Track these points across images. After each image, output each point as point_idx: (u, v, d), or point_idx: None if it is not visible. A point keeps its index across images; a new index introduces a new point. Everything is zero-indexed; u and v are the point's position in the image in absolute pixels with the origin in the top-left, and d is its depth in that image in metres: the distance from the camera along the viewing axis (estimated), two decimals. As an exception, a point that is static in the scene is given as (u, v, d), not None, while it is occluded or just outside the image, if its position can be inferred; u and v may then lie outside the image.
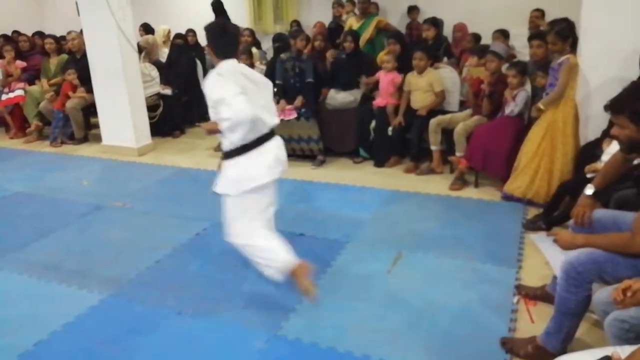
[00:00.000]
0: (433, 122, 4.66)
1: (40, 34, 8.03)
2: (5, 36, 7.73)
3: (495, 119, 4.45)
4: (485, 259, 3.27)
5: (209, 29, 2.77)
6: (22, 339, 2.65)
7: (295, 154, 5.37)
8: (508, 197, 4.09)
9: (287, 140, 5.23)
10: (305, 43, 5.29)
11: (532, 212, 3.89)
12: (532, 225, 3.62)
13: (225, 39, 2.75)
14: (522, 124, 4.36)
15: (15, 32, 8.25)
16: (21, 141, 6.62)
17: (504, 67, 4.50)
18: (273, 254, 2.72)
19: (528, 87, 4.38)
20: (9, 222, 4.16)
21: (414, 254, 3.36)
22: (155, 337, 2.66)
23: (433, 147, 4.73)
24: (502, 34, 5.86)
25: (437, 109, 4.89)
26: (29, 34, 7.86)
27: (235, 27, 2.89)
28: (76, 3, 5.75)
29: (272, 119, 2.82)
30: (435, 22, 5.84)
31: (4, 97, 6.70)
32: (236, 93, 2.53)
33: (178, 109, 6.51)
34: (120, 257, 3.50)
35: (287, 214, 4.03)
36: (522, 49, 6.04)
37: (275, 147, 2.82)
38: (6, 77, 6.84)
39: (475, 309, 2.75)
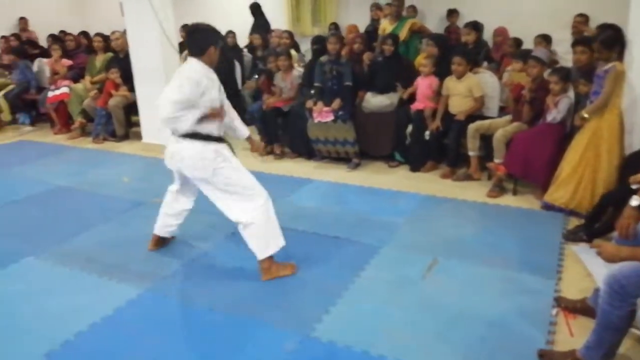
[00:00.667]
0: (472, 127, 4.59)
1: (85, 34, 8.30)
2: (53, 36, 8.00)
3: (536, 126, 4.35)
4: (523, 268, 3.21)
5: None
6: (63, 329, 2.74)
7: (330, 157, 5.38)
8: (549, 207, 3.99)
9: (323, 143, 5.27)
10: (338, 46, 5.28)
11: (573, 222, 3.80)
12: (573, 236, 3.54)
13: (189, 40, 3.11)
14: (564, 132, 4.26)
15: (61, 31, 8.55)
16: (65, 137, 6.83)
17: (546, 73, 4.41)
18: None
19: (571, 93, 4.27)
20: (53, 216, 4.29)
21: (450, 260, 3.32)
22: (189, 333, 2.71)
23: (471, 153, 4.66)
24: (544, 39, 5.74)
25: (475, 114, 4.82)
26: (75, 33, 8.11)
27: (200, 34, 3.06)
28: (120, 4, 5.91)
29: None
30: (476, 26, 5.77)
31: (50, 94, 6.93)
32: None
33: (216, 109, 6.60)
34: (158, 253, 3.57)
35: (322, 216, 4.06)
36: (565, 55, 5.90)
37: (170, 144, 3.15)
38: (53, 75, 7.08)
39: (512, 319, 2.70)
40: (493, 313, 2.76)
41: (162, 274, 3.28)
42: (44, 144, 6.56)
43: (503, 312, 2.77)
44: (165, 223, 3.52)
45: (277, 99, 5.69)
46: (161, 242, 3.61)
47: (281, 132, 5.70)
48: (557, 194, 3.92)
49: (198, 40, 3.02)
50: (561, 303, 2.79)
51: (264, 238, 3.10)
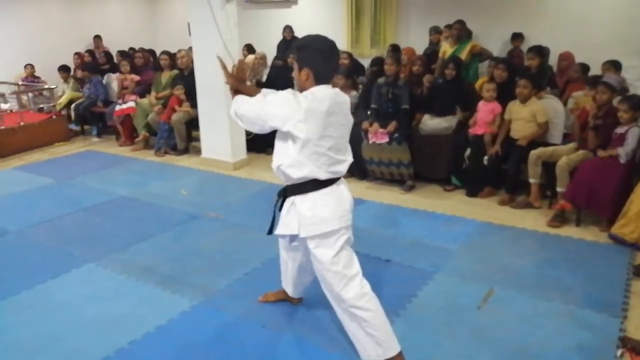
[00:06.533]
0: (533, 154, 4.44)
1: (151, 52, 8.68)
2: (122, 52, 8.40)
3: (603, 153, 4.16)
4: (585, 304, 3.05)
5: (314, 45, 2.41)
6: (118, 336, 2.82)
7: (384, 178, 5.34)
8: (617, 240, 3.78)
9: (377, 164, 5.24)
10: (395, 67, 5.25)
11: (640, 257, 3.60)
12: (641, 272, 3.34)
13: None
14: (633, 162, 4.05)
15: (131, 48, 8.98)
16: (129, 149, 7.11)
17: (616, 100, 4.23)
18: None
19: (643, 122, 4.07)
20: (113, 224, 4.46)
21: (507, 291, 3.20)
22: (239, 348, 2.73)
23: (532, 180, 4.50)
24: (613, 65, 5.50)
25: (538, 141, 4.66)
26: (144, 50, 8.50)
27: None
28: (188, 24, 6.14)
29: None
30: (541, 51, 5.61)
31: (117, 107, 7.25)
32: None
33: (273, 127, 6.71)
34: (212, 266, 3.63)
35: (373, 238, 4.02)
36: (635, 82, 5.66)
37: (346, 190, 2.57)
38: (121, 90, 7.42)
39: (573, 359, 2.56)
40: (552, 350, 2.63)
41: (214, 288, 3.33)
42: (108, 155, 6.85)
43: (563, 350, 2.64)
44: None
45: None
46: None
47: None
48: (627, 228, 3.71)
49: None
50: (627, 343, 2.63)
51: None
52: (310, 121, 2.23)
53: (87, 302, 3.21)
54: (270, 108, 2.30)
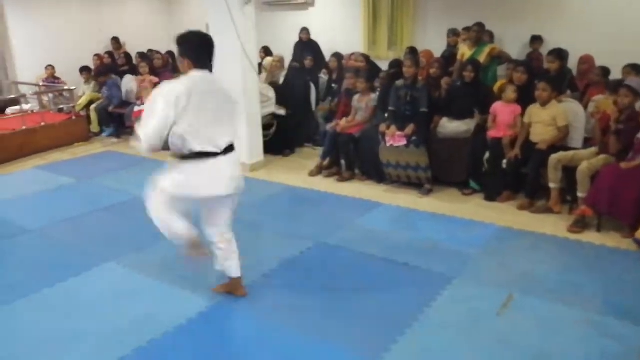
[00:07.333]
0: (554, 158, 4.39)
1: (170, 53, 8.74)
2: (141, 53, 8.48)
3: (625, 160, 4.10)
4: (607, 311, 3.01)
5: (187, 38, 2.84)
6: (137, 335, 2.86)
7: (401, 181, 5.32)
8: (641, 245, 3.73)
9: (394, 167, 5.22)
10: (414, 69, 5.22)
11: (664, 264, 3.54)
12: (665, 280, 3.27)
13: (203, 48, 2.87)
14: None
15: (150, 50, 9.06)
16: (147, 149, 7.16)
17: (638, 105, 4.16)
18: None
19: (665, 127, 4.00)
20: (131, 224, 4.48)
21: (526, 297, 3.16)
22: (257, 350, 2.74)
23: (552, 185, 4.45)
24: (634, 69, 5.42)
25: (558, 145, 4.61)
26: (162, 52, 8.57)
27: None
28: (206, 25, 6.18)
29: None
30: (560, 54, 5.55)
31: (135, 108, 7.32)
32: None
33: (290, 129, 6.72)
34: (229, 267, 3.64)
35: (391, 241, 4.00)
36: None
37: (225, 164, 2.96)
38: (140, 91, 7.49)
39: (595, 366, 2.53)
40: (573, 357, 2.59)
41: (232, 289, 3.34)
42: (127, 156, 6.90)
43: (584, 357, 2.60)
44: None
45: (351, 125, 5.68)
46: None
47: (352, 154, 5.70)
48: (655, 234, 3.66)
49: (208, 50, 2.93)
50: (650, 353, 2.58)
51: None
52: (183, 101, 2.68)
53: (107, 300, 3.25)
54: (155, 116, 2.77)
